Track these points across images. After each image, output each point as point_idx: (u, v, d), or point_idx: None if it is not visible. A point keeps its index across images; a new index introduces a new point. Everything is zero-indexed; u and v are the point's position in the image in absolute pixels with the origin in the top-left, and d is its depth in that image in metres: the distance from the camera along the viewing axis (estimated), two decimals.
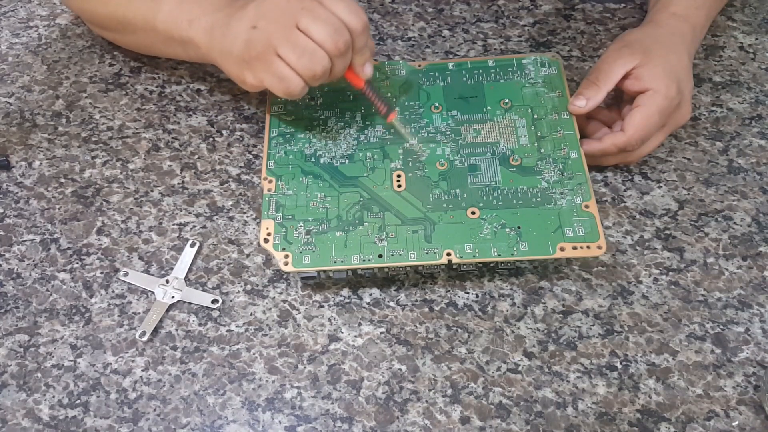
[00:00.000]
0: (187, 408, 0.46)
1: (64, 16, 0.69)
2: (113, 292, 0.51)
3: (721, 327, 0.48)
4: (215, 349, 0.48)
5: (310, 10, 0.48)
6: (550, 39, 0.65)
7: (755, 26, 0.66)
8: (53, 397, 0.47)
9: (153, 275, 0.52)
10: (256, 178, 0.57)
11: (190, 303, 0.50)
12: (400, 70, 0.58)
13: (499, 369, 0.47)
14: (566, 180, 0.50)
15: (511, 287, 0.50)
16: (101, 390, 0.47)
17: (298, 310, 0.50)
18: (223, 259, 0.52)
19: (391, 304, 0.50)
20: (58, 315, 0.50)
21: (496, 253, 0.48)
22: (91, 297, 0.51)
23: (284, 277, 0.51)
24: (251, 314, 0.50)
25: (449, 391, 0.46)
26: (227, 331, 0.49)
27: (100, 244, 0.53)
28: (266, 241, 0.49)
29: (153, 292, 0.51)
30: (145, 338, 0.48)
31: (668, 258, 0.51)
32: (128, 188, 0.56)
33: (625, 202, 0.54)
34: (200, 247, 0.53)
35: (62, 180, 0.57)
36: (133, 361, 0.48)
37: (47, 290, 0.51)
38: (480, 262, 0.48)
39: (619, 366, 0.47)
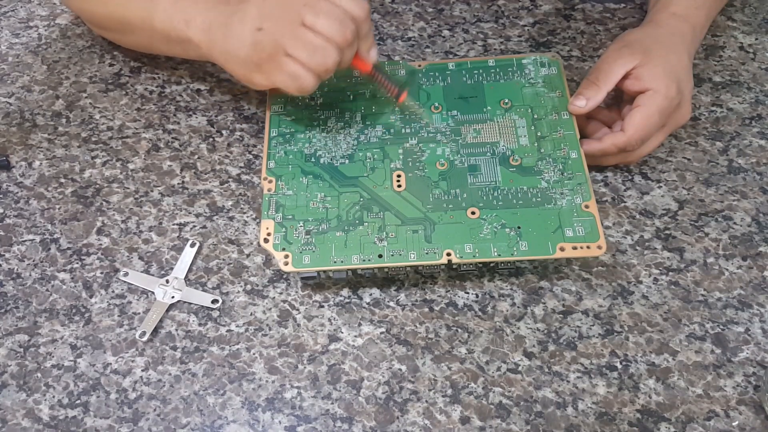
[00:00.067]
0: (187, 408, 0.46)
1: (64, 16, 0.69)
2: (113, 292, 0.51)
3: (721, 327, 0.48)
4: (215, 349, 0.48)
5: (313, 6, 0.48)
6: (550, 39, 0.65)
7: (755, 26, 0.66)
8: (53, 397, 0.47)
9: (153, 275, 0.52)
10: (256, 178, 0.57)
11: (190, 303, 0.50)
12: (400, 70, 0.58)
13: (499, 369, 0.47)
14: (566, 180, 0.50)
15: (511, 287, 0.50)
16: (101, 390, 0.47)
17: (298, 310, 0.50)
18: (223, 259, 0.52)
19: (391, 304, 0.50)
20: (58, 315, 0.50)
21: (496, 253, 0.48)
22: (91, 297, 0.51)
23: (284, 277, 0.51)
24: (251, 314, 0.50)
25: (449, 391, 0.46)
26: (227, 331, 0.49)
27: (100, 244, 0.53)
28: (266, 241, 0.49)
29: (153, 292, 0.51)
30: (145, 338, 0.48)
31: (668, 258, 0.51)
32: (128, 188, 0.56)
33: (625, 202, 0.54)
34: (200, 247, 0.53)
35: (62, 180, 0.57)
36: (133, 361, 0.48)
37: (47, 290, 0.51)
38: (480, 262, 0.48)
39: (619, 366, 0.47)
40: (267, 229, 0.50)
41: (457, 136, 0.53)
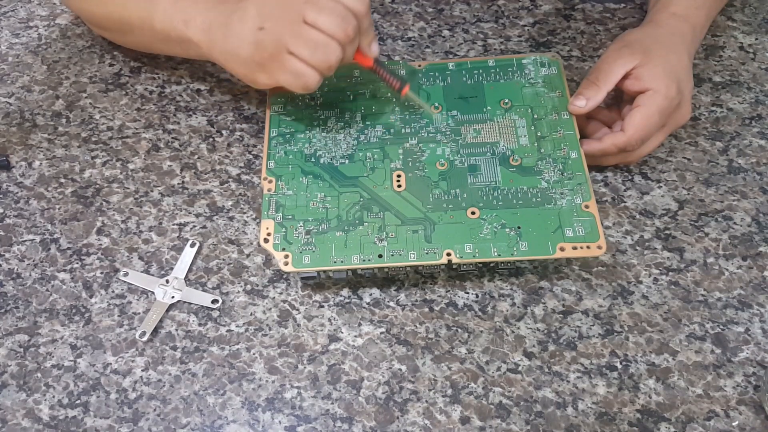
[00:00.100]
0: (187, 408, 0.46)
1: (64, 16, 0.69)
2: (113, 292, 0.51)
3: (721, 327, 0.48)
4: (215, 349, 0.48)
5: (314, 3, 0.48)
6: (550, 39, 0.65)
7: (755, 26, 0.66)
8: (53, 397, 0.47)
9: (153, 275, 0.52)
10: (256, 178, 0.57)
11: (190, 303, 0.50)
12: (400, 70, 0.58)
13: (499, 369, 0.47)
14: (566, 180, 0.50)
15: (511, 287, 0.50)
16: (101, 390, 0.47)
17: (298, 310, 0.50)
18: (223, 259, 0.52)
19: (391, 304, 0.50)
20: (58, 315, 0.50)
21: (496, 253, 0.48)
22: (91, 297, 0.51)
23: (284, 277, 0.51)
24: (251, 314, 0.50)
25: (449, 391, 0.46)
26: (227, 331, 0.49)
27: (100, 244, 0.53)
28: (266, 241, 0.49)
29: (153, 292, 0.51)
30: (145, 338, 0.48)
31: (668, 258, 0.51)
32: (128, 188, 0.56)
33: (625, 202, 0.54)
34: (200, 247, 0.53)
35: (62, 180, 0.57)
36: (133, 361, 0.48)
37: (47, 290, 0.51)
38: (480, 262, 0.48)
39: (619, 366, 0.47)
40: (267, 229, 0.50)
41: (457, 136, 0.53)
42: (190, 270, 0.52)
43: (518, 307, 0.49)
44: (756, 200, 0.54)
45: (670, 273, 0.51)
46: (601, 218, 0.51)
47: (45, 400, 0.46)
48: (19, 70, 0.65)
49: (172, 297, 0.50)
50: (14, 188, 0.57)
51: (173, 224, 0.54)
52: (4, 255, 0.53)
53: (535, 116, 0.54)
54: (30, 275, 0.52)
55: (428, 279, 0.51)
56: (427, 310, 0.50)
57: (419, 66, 0.58)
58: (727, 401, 0.45)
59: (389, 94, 0.56)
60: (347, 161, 0.53)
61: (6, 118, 0.61)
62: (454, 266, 0.49)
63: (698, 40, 0.58)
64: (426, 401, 0.46)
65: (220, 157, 0.58)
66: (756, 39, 0.65)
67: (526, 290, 0.50)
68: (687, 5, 0.57)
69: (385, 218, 0.50)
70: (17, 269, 0.52)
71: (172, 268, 0.52)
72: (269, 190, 0.52)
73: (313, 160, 0.53)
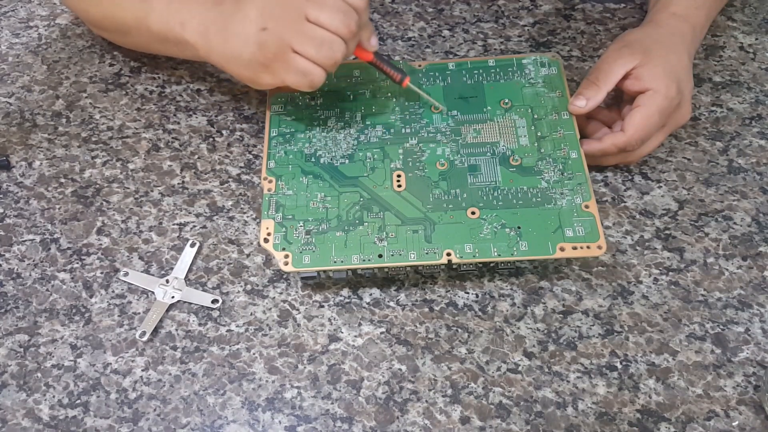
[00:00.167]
0: (187, 408, 0.46)
1: (64, 16, 0.69)
2: (113, 292, 0.51)
3: (721, 327, 0.48)
4: (215, 349, 0.48)
5: (315, 0, 0.48)
6: (550, 39, 0.65)
7: (755, 26, 0.66)
8: (53, 397, 0.47)
9: (153, 275, 0.52)
10: (256, 178, 0.57)
11: (190, 303, 0.50)
12: None
13: (499, 369, 0.47)
14: (566, 180, 0.50)
15: (511, 287, 0.50)
16: (101, 390, 0.47)
17: (298, 310, 0.50)
18: (223, 259, 0.52)
19: (391, 304, 0.50)
20: (58, 315, 0.50)
21: (496, 253, 0.48)
22: (91, 297, 0.51)
23: (284, 277, 0.51)
24: (251, 314, 0.50)
25: (449, 391, 0.46)
26: (227, 331, 0.49)
27: (100, 244, 0.53)
28: (266, 241, 0.49)
29: (153, 292, 0.51)
30: (145, 338, 0.48)
31: (668, 258, 0.51)
32: (128, 188, 0.56)
33: (625, 202, 0.55)
34: (200, 247, 0.53)
35: (62, 180, 0.57)
36: (133, 361, 0.48)
37: (47, 290, 0.51)
38: (480, 262, 0.48)
39: (619, 366, 0.47)
40: (267, 229, 0.50)
41: (457, 136, 0.53)
42: (190, 270, 0.52)
43: (518, 307, 0.49)
44: (756, 200, 0.54)
45: (670, 273, 0.51)
46: (601, 218, 0.51)
47: (45, 400, 0.46)
48: (19, 70, 0.65)
49: (172, 297, 0.50)
50: (14, 188, 0.57)
51: (173, 224, 0.54)
52: (4, 255, 0.53)
53: (535, 116, 0.54)
54: (30, 275, 0.52)
55: (428, 279, 0.51)
56: (427, 310, 0.50)
57: (419, 66, 0.58)
58: (727, 401, 0.45)
59: (389, 94, 0.56)
60: (347, 161, 0.53)
61: (6, 118, 0.61)
62: (454, 266, 0.49)
63: (698, 40, 0.58)
64: (426, 401, 0.46)
65: (220, 157, 0.58)
66: (756, 39, 0.65)
67: (526, 290, 0.50)
68: (687, 5, 0.57)
69: (385, 218, 0.50)
70: (17, 269, 0.52)
71: (172, 268, 0.52)
72: (269, 190, 0.52)
73: (313, 160, 0.53)
